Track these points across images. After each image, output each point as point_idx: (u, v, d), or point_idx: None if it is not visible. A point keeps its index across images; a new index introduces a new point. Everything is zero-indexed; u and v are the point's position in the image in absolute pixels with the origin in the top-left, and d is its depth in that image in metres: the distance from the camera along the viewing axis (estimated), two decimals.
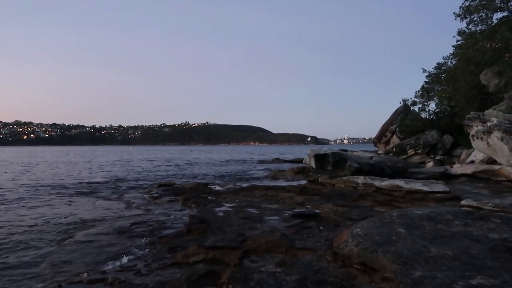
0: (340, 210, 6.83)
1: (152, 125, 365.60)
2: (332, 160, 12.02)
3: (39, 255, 4.55)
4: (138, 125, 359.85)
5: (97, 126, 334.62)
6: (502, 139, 11.20)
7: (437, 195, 8.16)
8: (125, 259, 4.30)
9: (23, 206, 8.42)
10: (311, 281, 3.23)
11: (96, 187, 12.18)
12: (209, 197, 8.98)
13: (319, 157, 12.36)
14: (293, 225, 5.70)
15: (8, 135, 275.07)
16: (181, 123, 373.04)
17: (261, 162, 30.02)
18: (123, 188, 12.08)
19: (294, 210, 7.05)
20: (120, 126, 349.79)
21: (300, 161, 26.66)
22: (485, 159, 12.90)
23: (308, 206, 7.53)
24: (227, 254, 4.19)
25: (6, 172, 19.62)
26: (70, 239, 5.32)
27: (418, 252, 3.37)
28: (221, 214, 6.86)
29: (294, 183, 12.15)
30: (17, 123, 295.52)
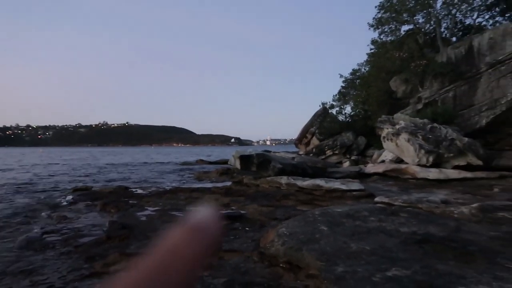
0: (265, 210, 6.94)
1: (66, 125, 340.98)
2: (257, 161, 12.23)
3: None
4: (49, 125, 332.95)
5: (1, 126, 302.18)
6: (408, 140, 12.32)
7: (354, 193, 8.70)
8: (35, 273, 3.89)
9: None
10: (239, 283, 3.22)
11: (2, 191, 10.93)
12: (130, 201, 8.54)
13: (244, 159, 12.49)
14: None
15: None
16: (99, 123, 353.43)
17: (184, 163, 29.46)
18: (31, 193, 11.00)
19: (220, 211, 6.99)
20: (28, 126, 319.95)
21: (224, 162, 26.70)
22: (394, 158, 14.09)
23: (233, 207, 7.54)
24: None
25: None
26: None
27: (340, 249, 3.54)
28: (143, 218, 6.57)
29: (219, 185, 12.11)
30: None
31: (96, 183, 14.05)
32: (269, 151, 22.89)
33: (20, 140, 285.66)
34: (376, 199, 6.93)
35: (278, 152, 22.99)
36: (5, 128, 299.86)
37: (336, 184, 9.13)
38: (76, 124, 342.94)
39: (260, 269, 3.62)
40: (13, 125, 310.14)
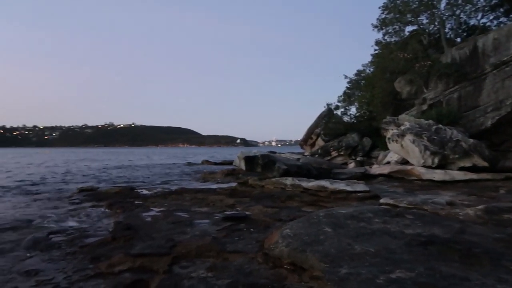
0: (270, 212, 6.95)
1: (72, 125, 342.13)
2: (262, 162, 12.24)
3: None
4: (56, 126, 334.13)
5: (8, 126, 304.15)
6: (413, 142, 12.27)
7: (359, 194, 8.68)
8: (40, 273, 3.93)
9: None
10: (243, 284, 3.24)
11: (9, 193, 11.04)
12: (135, 202, 8.60)
13: (249, 159, 12.51)
14: (224, 228, 5.67)
15: None
16: (105, 124, 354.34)
17: (190, 164, 29.57)
18: (38, 193, 11.10)
19: (225, 212, 7.02)
20: (35, 126, 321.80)
21: (229, 163, 26.73)
22: (399, 160, 14.05)
23: (238, 208, 7.56)
24: (156, 261, 4.04)
25: None
26: None
27: (344, 250, 3.55)
28: (149, 219, 6.60)
29: (224, 186, 12.15)
30: None
31: (101, 184, 14.14)
32: (275, 152, 22.92)
33: (27, 141, 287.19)
34: (381, 200, 6.91)
35: (283, 153, 23.02)
36: (12, 129, 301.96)
37: (341, 185, 9.12)
38: (83, 125, 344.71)
39: (264, 271, 3.63)
40: (20, 125, 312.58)
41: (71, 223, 6.60)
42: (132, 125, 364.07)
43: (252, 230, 5.50)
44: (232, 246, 4.57)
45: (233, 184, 12.44)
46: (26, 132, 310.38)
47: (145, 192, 10.87)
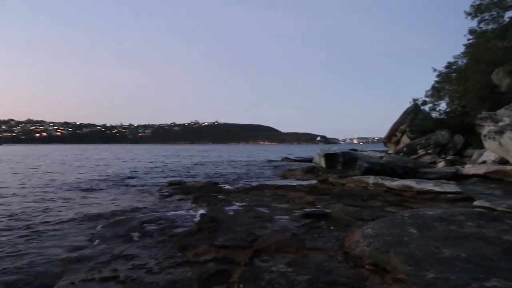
0: (351, 210, 6.79)
1: (162, 124, 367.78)
2: (342, 160, 11.98)
3: (55, 253, 4.61)
4: (148, 124, 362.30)
5: (108, 125, 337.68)
6: None
7: (449, 195, 8.07)
8: (136, 258, 4.33)
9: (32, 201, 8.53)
10: (323, 281, 3.22)
11: (106, 185, 12.30)
12: (219, 196, 9.00)
13: (329, 157, 12.33)
14: (304, 224, 5.69)
15: (21, 133, 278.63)
16: (191, 122, 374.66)
17: (270, 161, 29.99)
18: (134, 186, 12.19)
19: (304, 209, 7.03)
20: (130, 125, 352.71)
21: (309, 160, 26.55)
22: (497, 159, 12.73)
23: (318, 206, 7.50)
24: (238, 253, 4.20)
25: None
26: (79, 238, 5.37)
27: (431, 253, 3.34)
28: (231, 213, 6.87)
29: (304, 183, 12.12)
30: (30, 121, 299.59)
31: (188, 178, 15.02)
32: (356, 150, 22.25)
33: (124, 138, 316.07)
34: (475, 203, 6.34)
35: (365, 151, 22.22)
36: (111, 127, 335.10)
37: (429, 186, 8.55)
38: (171, 123, 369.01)
39: (344, 269, 3.57)
40: (118, 124, 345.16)
41: (161, 214, 7.13)
42: (216, 123, 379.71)
43: (332, 228, 5.44)
44: (311, 243, 4.57)
45: (313, 182, 12.36)
46: (123, 130, 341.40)
47: (227, 187, 11.31)
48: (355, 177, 10.79)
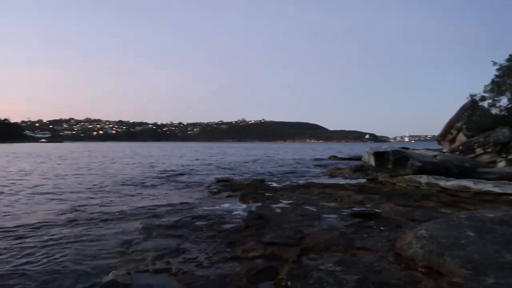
0: (402, 210, 6.57)
1: (210, 122, 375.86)
2: (393, 158, 11.57)
3: (112, 245, 4.88)
4: (196, 122, 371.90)
5: (159, 123, 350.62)
6: None
7: (510, 197, 7.56)
8: (187, 252, 4.48)
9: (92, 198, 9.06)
10: (372, 282, 3.15)
11: (158, 181, 12.79)
12: (266, 194, 9.06)
13: (378, 155, 11.96)
14: (352, 224, 5.58)
15: (80, 132, 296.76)
16: (238, 120, 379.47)
17: (317, 159, 29.68)
18: (184, 182, 12.58)
19: (353, 208, 6.89)
20: (180, 123, 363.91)
21: (357, 159, 25.99)
22: None
23: (367, 205, 7.33)
24: (285, 251, 4.21)
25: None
26: (134, 231, 5.63)
27: (490, 257, 3.16)
28: (278, 210, 6.90)
29: (352, 181, 11.89)
30: (88, 120, 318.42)
31: (235, 175, 15.24)
32: (407, 148, 21.40)
33: (174, 136, 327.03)
34: None
35: (417, 149, 21.31)
36: (162, 125, 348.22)
37: (488, 186, 8.06)
38: (219, 121, 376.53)
39: (396, 271, 3.47)
40: (168, 122, 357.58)
41: (211, 209, 7.30)
42: (262, 121, 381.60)
43: (382, 228, 5.29)
44: (360, 242, 4.47)
45: (362, 180, 12.09)
46: (173, 128, 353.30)
47: (274, 184, 11.35)
48: (406, 177, 10.40)
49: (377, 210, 6.63)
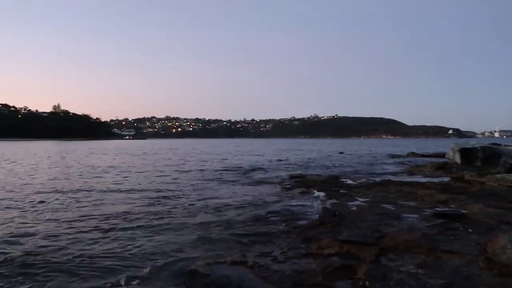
0: (493, 212, 6.01)
1: (282, 118, 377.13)
2: (482, 156, 10.66)
3: (192, 235, 5.15)
4: (269, 119, 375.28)
5: (233, 120, 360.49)
6: None
7: None
8: (262, 246, 4.56)
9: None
10: (460, 287, 2.94)
11: (232, 177, 13.17)
12: (340, 191, 8.88)
13: (465, 152, 11.09)
14: (435, 225, 5.24)
15: (161, 129, 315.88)
16: (310, 116, 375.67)
17: (394, 156, 28.30)
18: (258, 177, 12.82)
19: (436, 208, 6.47)
20: (252, 120, 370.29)
21: (440, 155, 24.29)
22: None
23: (452, 206, 6.83)
24: (363, 250, 4.09)
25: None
26: (212, 224, 5.85)
27: None
28: (354, 208, 6.73)
29: (435, 180, 11.15)
30: (168, 118, 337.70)
31: (308, 172, 15.13)
32: (499, 144, 19.51)
33: (247, 132, 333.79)
34: None
35: (511, 146, 19.33)
36: (235, 122, 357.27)
37: None
38: (291, 118, 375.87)
39: (487, 277, 3.19)
40: (242, 119, 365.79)
41: (285, 205, 7.35)
42: (335, 116, 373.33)
43: (470, 230, 4.89)
44: (445, 245, 4.19)
45: (445, 179, 11.29)
46: (246, 124, 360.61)
47: (349, 182, 11.07)
48: (498, 175, 9.51)
49: (463, 211, 6.14)
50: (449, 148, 12.14)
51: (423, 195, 7.94)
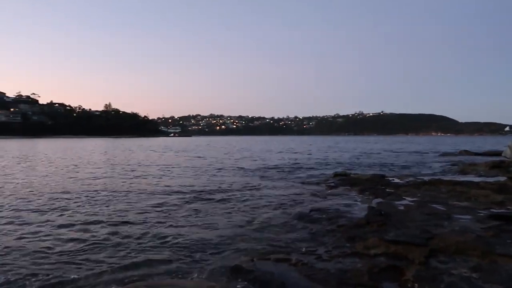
0: None
1: (326, 115, 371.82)
2: None
3: (234, 232, 5.22)
4: (312, 116, 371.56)
5: (276, 117, 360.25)
6: None
7: None
8: (306, 243, 4.53)
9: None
10: None
11: (276, 174, 13.18)
12: (387, 190, 8.62)
13: None
14: (491, 227, 4.95)
15: (205, 127, 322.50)
16: (355, 113, 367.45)
17: (445, 154, 27.01)
18: (301, 175, 12.74)
19: (491, 210, 6.12)
20: (295, 117, 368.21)
21: (495, 154, 22.85)
22: None
23: (509, 207, 6.42)
24: (411, 251, 3.95)
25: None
26: (256, 220, 5.89)
27: None
28: (401, 207, 6.51)
29: (490, 179, 10.52)
30: (212, 116, 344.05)
31: (353, 170, 14.82)
32: None
33: (290, 130, 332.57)
34: None
35: None
36: (278, 120, 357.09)
37: None
38: (334, 115, 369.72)
39: None
40: (285, 117, 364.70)
41: (329, 203, 7.26)
42: (381, 113, 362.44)
43: None
44: (502, 248, 3.95)
45: (501, 179, 10.62)
46: (289, 122, 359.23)
47: (396, 180, 10.72)
48: None
49: None
50: (506, 146, 11.37)
51: (476, 196, 7.52)
